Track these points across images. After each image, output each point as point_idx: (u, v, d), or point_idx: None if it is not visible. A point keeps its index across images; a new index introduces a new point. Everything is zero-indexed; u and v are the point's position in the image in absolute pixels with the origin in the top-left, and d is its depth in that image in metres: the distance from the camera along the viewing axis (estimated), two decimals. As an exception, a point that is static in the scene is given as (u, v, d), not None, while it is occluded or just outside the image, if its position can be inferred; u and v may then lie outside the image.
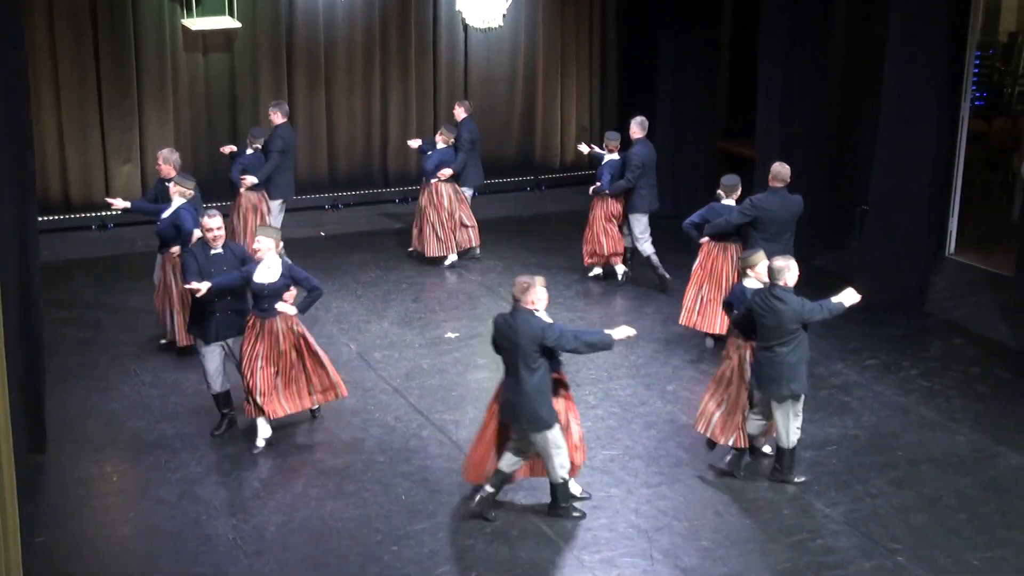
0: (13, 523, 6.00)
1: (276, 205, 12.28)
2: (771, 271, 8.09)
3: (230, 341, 8.83)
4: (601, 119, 16.32)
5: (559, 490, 7.84)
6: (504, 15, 13.39)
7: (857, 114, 13.38)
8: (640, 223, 11.94)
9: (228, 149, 12.41)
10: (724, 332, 9.80)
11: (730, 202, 10.32)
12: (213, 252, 8.79)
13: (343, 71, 14.69)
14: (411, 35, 14.90)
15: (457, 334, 11.00)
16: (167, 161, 10.47)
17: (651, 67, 14.97)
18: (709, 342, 10.61)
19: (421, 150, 12.96)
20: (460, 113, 12.90)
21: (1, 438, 5.77)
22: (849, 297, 8.11)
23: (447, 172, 12.46)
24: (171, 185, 10.12)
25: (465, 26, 14.83)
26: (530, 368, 7.51)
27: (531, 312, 7.55)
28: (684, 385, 9.94)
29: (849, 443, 9.03)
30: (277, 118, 12.21)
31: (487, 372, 10.19)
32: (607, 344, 7.72)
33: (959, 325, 11.34)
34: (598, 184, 12.02)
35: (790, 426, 8.19)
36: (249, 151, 12.01)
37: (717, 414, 8.47)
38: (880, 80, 11.56)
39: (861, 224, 13.37)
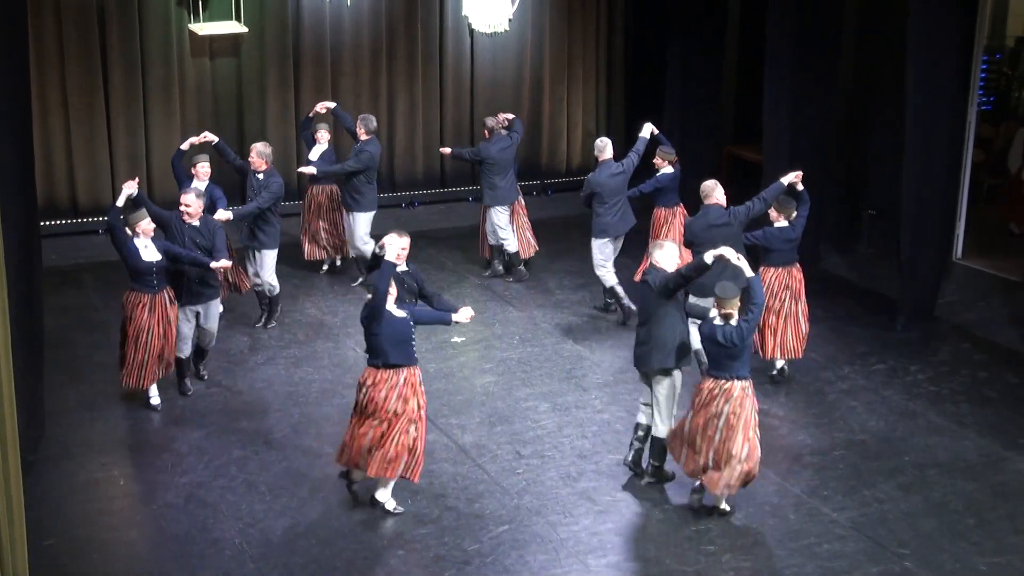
0: (20, 527, 6.01)
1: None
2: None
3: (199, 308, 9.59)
4: (608, 124, 16.32)
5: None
6: (510, 20, 13.34)
7: (864, 118, 13.37)
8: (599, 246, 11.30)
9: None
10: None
11: (783, 223, 9.69)
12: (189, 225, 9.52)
13: (350, 76, 14.70)
14: (417, 40, 14.91)
15: (462, 338, 11.00)
16: (261, 155, 10.88)
17: (659, 71, 14.96)
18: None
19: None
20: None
21: (8, 444, 5.78)
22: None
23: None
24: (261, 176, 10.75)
25: (471, 31, 14.82)
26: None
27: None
28: (689, 390, 9.89)
29: (856, 448, 9.01)
30: (362, 133, 11.95)
31: (492, 376, 10.20)
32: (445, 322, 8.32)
33: (967, 330, 11.31)
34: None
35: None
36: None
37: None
38: (887, 84, 11.53)
39: (869, 228, 13.38)
